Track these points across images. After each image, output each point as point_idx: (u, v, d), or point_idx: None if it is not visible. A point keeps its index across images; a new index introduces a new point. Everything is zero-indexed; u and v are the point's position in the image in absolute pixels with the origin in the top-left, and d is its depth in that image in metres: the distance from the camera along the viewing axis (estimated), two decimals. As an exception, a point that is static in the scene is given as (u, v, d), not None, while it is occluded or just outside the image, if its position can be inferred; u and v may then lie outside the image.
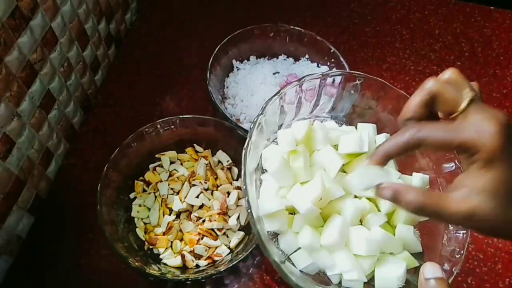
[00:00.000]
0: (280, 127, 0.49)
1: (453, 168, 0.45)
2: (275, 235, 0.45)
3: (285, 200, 0.43)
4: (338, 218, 0.42)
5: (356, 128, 0.50)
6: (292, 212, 0.44)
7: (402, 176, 0.47)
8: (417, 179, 0.46)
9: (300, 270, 0.43)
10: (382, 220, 0.44)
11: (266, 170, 0.45)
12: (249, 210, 0.40)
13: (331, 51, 0.73)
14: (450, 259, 0.42)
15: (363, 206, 0.43)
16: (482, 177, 0.31)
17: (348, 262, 0.41)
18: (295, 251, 0.43)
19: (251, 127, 0.43)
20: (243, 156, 0.42)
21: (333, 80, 0.49)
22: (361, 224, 0.44)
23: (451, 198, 0.32)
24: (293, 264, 0.43)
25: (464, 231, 0.43)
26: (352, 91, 0.50)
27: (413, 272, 0.43)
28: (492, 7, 0.91)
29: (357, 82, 0.49)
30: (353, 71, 0.50)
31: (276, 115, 0.47)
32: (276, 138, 0.48)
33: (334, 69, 0.73)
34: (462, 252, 0.42)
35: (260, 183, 0.47)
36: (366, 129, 0.48)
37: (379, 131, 0.50)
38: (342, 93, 0.51)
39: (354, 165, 0.45)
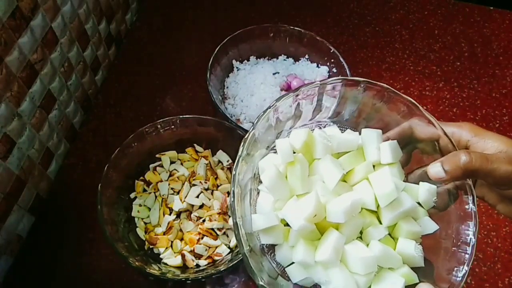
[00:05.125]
0: (279, 134, 0.47)
1: None
2: (272, 247, 0.44)
3: (280, 214, 0.42)
4: (333, 233, 0.40)
5: (360, 133, 0.48)
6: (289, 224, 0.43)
7: (408, 185, 0.45)
8: (424, 189, 0.44)
9: (295, 283, 0.42)
10: (382, 234, 0.42)
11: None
12: (236, 231, 0.39)
13: (331, 51, 0.73)
14: (450, 279, 0.41)
15: (362, 220, 0.42)
16: None
17: (342, 280, 0.40)
18: (291, 264, 0.42)
19: (243, 141, 0.41)
20: (232, 176, 0.40)
21: (333, 87, 0.48)
22: (361, 236, 0.43)
23: (500, 159, 0.36)
24: (289, 277, 0.42)
25: (469, 251, 0.41)
26: (356, 95, 0.48)
27: None
28: (491, 7, 0.91)
29: (359, 87, 0.47)
30: (354, 78, 0.48)
31: (271, 126, 0.46)
32: (275, 146, 0.46)
33: (333, 75, 0.73)
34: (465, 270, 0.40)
35: (258, 192, 0.46)
36: (370, 136, 0.46)
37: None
38: (345, 97, 0.49)
39: (355, 175, 0.44)
